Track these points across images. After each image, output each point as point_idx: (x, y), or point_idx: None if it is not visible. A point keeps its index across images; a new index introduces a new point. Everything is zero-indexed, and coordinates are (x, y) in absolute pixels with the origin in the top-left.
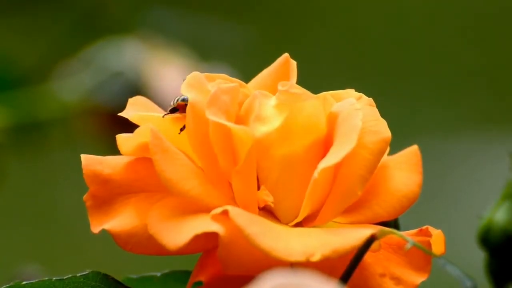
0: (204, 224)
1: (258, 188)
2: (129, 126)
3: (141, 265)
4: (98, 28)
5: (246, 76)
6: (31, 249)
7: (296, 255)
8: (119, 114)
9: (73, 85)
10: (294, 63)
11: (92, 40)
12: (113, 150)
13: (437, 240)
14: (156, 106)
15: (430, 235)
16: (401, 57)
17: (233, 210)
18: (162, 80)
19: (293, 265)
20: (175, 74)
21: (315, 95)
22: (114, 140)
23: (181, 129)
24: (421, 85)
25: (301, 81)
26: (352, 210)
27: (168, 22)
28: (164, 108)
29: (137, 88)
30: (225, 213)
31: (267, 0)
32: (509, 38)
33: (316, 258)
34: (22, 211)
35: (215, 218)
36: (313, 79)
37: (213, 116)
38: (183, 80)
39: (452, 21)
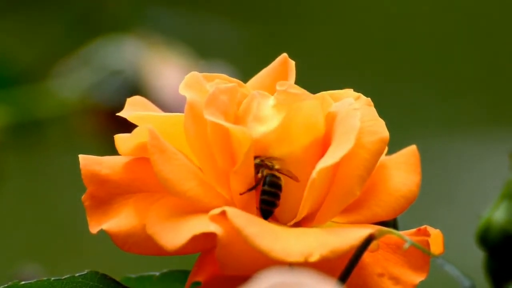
0: (202, 225)
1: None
2: (128, 125)
3: (140, 265)
4: (97, 26)
5: (246, 75)
6: (29, 248)
7: (295, 256)
8: (117, 114)
9: (72, 83)
10: (292, 63)
11: (91, 38)
12: (112, 148)
13: (436, 239)
14: (154, 106)
15: (428, 235)
16: (401, 57)
17: (231, 210)
18: (161, 78)
19: (292, 265)
20: (174, 73)
21: (313, 95)
22: (112, 139)
23: None
24: (421, 85)
25: (299, 81)
26: (351, 210)
27: (167, 21)
28: (163, 107)
29: (136, 86)
30: (223, 213)
31: None
32: (509, 39)
33: (314, 258)
34: (20, 210)
35: (213, 218)
36: (312, 79)
37: (211, 116)
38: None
39: (452, 21)
